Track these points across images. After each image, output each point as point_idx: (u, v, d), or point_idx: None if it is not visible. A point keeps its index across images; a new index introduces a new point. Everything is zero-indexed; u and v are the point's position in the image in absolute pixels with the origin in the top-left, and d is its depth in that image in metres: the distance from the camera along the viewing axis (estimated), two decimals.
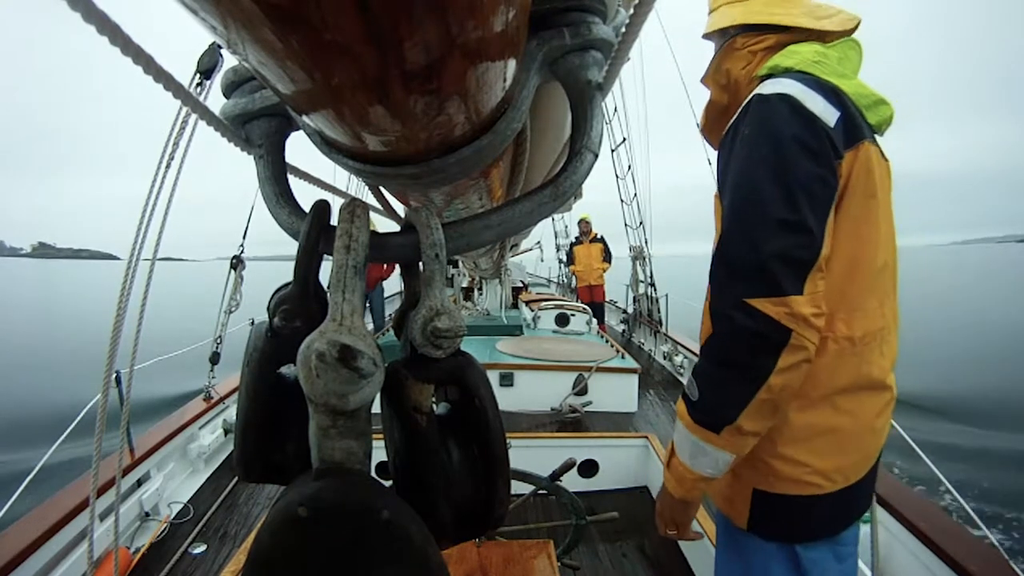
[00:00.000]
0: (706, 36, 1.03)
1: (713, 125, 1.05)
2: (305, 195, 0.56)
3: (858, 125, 0.81)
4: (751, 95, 0.85)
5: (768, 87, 0.83)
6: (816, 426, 0.83)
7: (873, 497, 1.08)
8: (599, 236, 8.07)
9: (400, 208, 1.09)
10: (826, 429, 0.83)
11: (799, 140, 0.76)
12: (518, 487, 1.76)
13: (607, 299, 8.32)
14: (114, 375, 2.06)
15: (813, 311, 0.74)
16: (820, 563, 0.87)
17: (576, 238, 8.36)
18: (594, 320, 5.14)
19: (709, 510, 2.06)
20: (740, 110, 0.87)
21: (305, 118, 0.42)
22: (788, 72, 0.85)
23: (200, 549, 2.34)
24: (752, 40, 0.93)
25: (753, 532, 0.89)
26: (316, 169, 0.82)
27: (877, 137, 0.88)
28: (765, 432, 0.83)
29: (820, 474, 0.83)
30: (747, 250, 0.76)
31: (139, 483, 2.60)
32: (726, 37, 0.98)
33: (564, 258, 11.20)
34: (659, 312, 6.72)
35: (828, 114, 0.78)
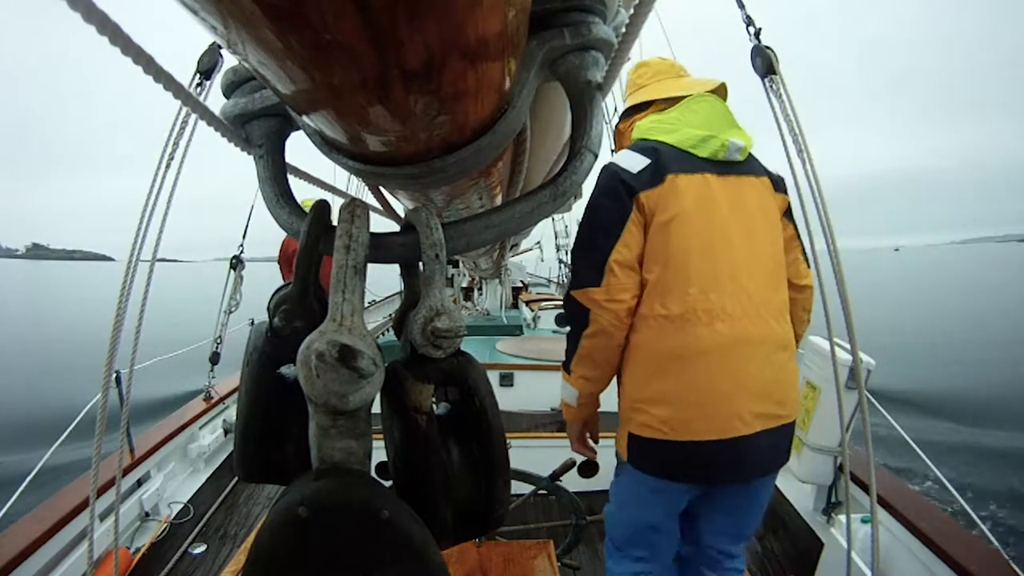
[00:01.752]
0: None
1: None
2: (305, 195, 0.56)
3: (665, 166, 1.10)
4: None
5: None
6: (654, 384, 1.11)
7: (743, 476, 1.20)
8: None
9: (400, 208, 1.08)
10: (662, 386, 1.10)
11: (603, 190, 1.12)
12: (518, 487, 1.76)
13: None
14: (114, 375, 2.06)
15: (605, 297, 1.08)
16: (658, 495, 1.18)
17: None
18: None
19: None
20: None
21: (305, 118, 0.42)
22: (633, 143, 1.20)
23: (200, 549, 2.34)
24: (625, 124, 1.31)
25: (630, 463, 1.17)
26: (316, 169, 0.82)
27: (738, 161, 1.16)
28: (597, 379, 1.20)
29: (662, 422, 1.09)
30: (572, 264, 1.19)
31: (139, 483, 2.60)
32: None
33: (565, 258, 11.18)
34: None
35: (638, 165, 1.10)
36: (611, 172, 1.12)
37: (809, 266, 1.23)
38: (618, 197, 1.09)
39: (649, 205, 1.08)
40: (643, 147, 1.14)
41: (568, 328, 1.21)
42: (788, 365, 1.15)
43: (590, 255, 1.11)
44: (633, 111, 1.29)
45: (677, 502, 1.20)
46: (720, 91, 1.25)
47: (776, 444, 1.14)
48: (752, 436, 1.08)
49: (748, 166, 1.17)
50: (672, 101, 1.22)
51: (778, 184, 1.21)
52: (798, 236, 1.22)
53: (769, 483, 1.25)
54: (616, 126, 1.37)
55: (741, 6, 1.25)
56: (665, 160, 1.10)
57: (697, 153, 1.12)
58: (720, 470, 1.11)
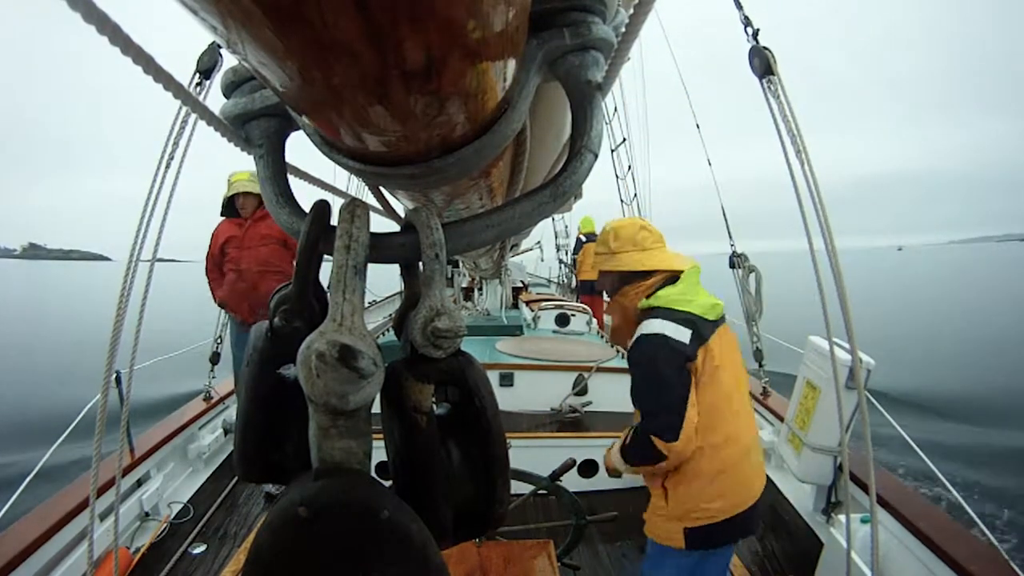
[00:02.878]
0: (603, 272, 1.68)
1: (617, 336, 1.74)
2: (305, 195, 0.55)
3: (701, 334, 1.46)
4: (638, 333, 1.51)
5: (645, 328, 1.49)
6: (709, 490, 1.47)
7: (759, 523, 1.59)
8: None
9: (400, 208, 1.08)
10: (715, 489, 1.47)
11: (668, 360, 1.44)
12: (518, 487, 1.76)
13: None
14: (114, 375, 2.06)
15: (680, 449, 1.40)
16: (709, 561, 1.53)
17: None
18: (594, 320, 5.14)
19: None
20: (634, 341, 1.52)
21: (305, 118, 0.42)
22: (656, 309, 1.50)
23: (200, 549, 2.34)
24: (633, 288, 1.59)
25: (688, 547, 1.48)
26: (316, 169, 0.82)
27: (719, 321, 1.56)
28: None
29: (717, 510, 1.46)
30: (647, 409, 1.48)
31: (139, 483, 2.60)
32: (615, 284, 1.65)
33: (565, 258, 11.22)
34: None
35: (683, 337, 1.45)
36: (671, 346, 1.44)
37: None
38: (683, 368, 1.45)
39: (696, 368, 1.46)
40: (680, 318, 1.47)
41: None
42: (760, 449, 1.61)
43: (669, 415, 1.42)
44: (642, 275, 1.59)
45: (722, 561, 1.58)
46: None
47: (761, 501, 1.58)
48: (757, 500, 1.53)
49: (723, 317, 1.57)
50: (662, 272, 1.58)
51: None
52: None
53: None
54: (623, 288, 1.62)
55: (739, 7, 1.25)
56: (700, 330, 1.47)
57: (709, 317, 1.50)
58: (750, 525, 1.53)
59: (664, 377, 1.45)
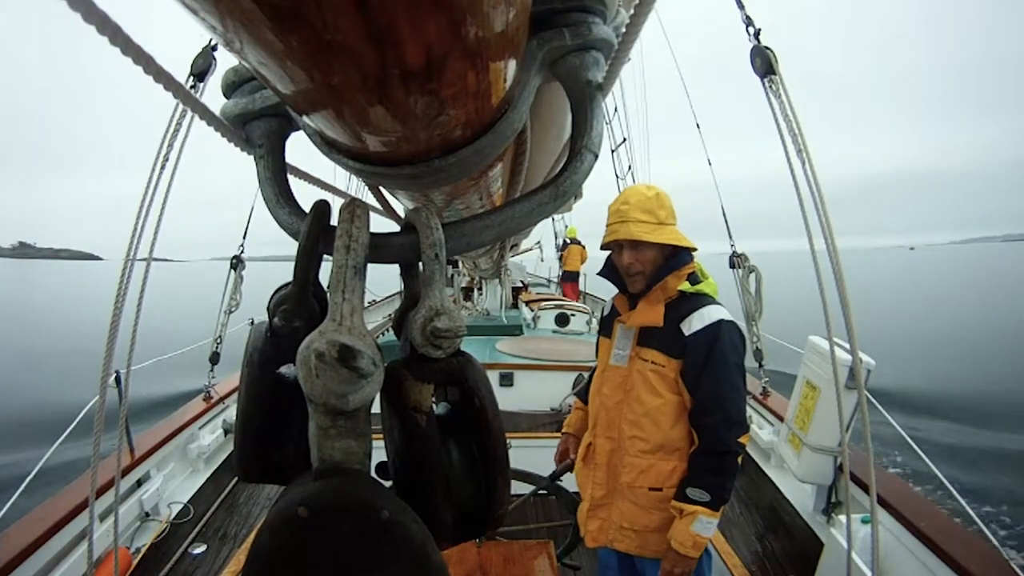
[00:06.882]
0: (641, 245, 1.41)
1: (645, 315, 1.46)
2: (305, 195, 0.55)
3: None
4: (719, 318, 1.35)
5: (721, 312, 1.37)
6: None
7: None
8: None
9: (400, 208, 1.08)
10: None
11: (742, 348, 1.39)
12: (518, 487, 1.76)
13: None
14: (113, 375, 2.06)
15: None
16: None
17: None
18: (594, 320, 5.15)
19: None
20: (711, 325, 1.34)
21: (305, 118, 0.42)
22: (707, 297, 1.41)
23: (200, 549, 2.34)
24: (685, 268, 1.43)
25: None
26: (316, 169, 0.82)
27: None
28: None
29: None
30: (737, 409, 1.34)
31: (139, 483, 2.60)
32: (656, 260, 1.42)
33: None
34: None
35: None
36: (743, 337, 1.40)
37: None
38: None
39: None
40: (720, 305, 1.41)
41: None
42: None
43: (744, 407, 1.35)
44: (686, 254, 1.45)
45: None
46: None
47: None
48: None
49: None
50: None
51: None
52: None
53: None
54: (688, 264, 1.45)
55: (741, 6, 1.25)
56: None
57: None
58: None
59: (742, 371, 1.35)
